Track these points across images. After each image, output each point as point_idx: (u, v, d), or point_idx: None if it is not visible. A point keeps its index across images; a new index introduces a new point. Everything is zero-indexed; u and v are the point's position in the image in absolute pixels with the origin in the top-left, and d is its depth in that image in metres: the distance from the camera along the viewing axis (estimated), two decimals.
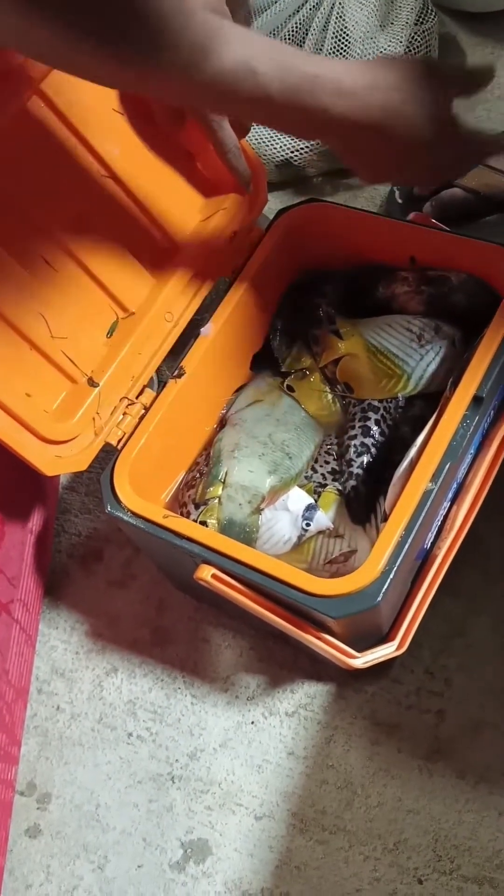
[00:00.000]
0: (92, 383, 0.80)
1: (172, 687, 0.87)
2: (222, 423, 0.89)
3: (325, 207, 0.88)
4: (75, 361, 0.80)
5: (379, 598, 0.65)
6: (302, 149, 1.09)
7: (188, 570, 0.72)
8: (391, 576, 0.66)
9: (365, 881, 0.75)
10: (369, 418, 0.83)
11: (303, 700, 0.84)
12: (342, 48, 1.06)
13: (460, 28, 1.21)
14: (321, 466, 0.84)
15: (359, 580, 0.66)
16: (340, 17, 1.06)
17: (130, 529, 0.75)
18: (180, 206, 0.87)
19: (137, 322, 0.83)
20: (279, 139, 1.09)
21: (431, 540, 0.75)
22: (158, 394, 0.81)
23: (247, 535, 0.78)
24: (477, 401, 0.72)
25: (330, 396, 0.88)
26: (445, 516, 0.76)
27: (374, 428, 0.82)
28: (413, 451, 0.72)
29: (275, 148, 1.09)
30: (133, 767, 0.85)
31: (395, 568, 0.66)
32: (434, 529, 0.74)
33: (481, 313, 0.78)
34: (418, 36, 1.07)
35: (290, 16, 1.09)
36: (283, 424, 0.85)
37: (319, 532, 0.80)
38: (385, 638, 0.73)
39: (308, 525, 0.79)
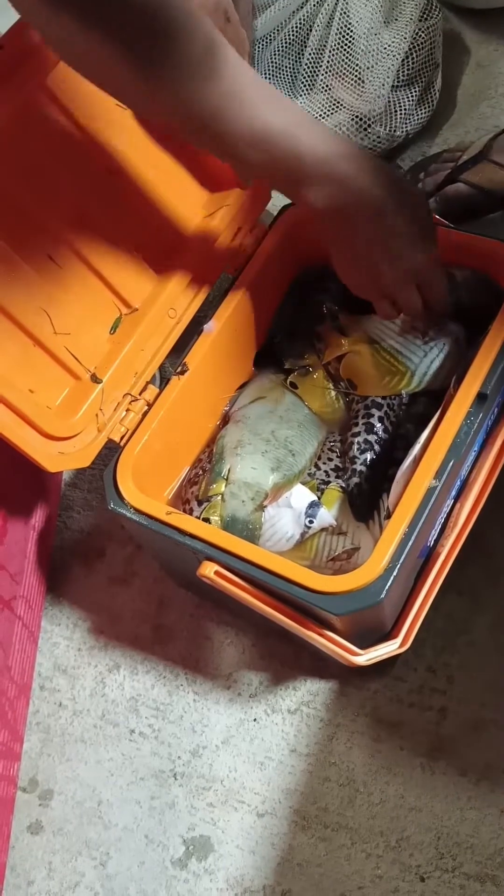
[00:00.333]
0: (95, 380, 0.80)
1: (175, 684, 0.87)
2: (225, 420, 0.89)
3: None
4: (78, 358, 0.79)
5: (382, 596, 0.65)
6: None
7: (191, 567, 0.72)
8: (394, 573, 0.66)
9: (367, 878, 0.75)
10: (373, 415, 0.83)
11: (305, 697, 0.83)
12: (346, 44, 1.05)
13: (464, 24, 1.21)
14: (324, 463, 0.84)
15: (362, 577, 0.66)
16: (344, 13, 1.06)
17: (133, 526, 0.75)
18: (184, 202, 0.87)
19: (141, 318, 0.83)
20: None
21: (435, 537, 0.75)
22: (161, 390, 0.81)
23: (250, 533, 0.78)
24: (481, 398, 0.72)
25: (333, 393, 0.88)
26: (449, 514, 0.76)
27: (378, 425, 0.82)
28: (416, 449, 0.72)
29: None
30: (135, 764, 0.85)
31: (398, 565, 0.66)
32: (437, 527, 0.74)
33: (485, 310, 0.78)
34: (422, 32, 1.06)
35: (293, 12, 1.09)
36: (287, 421, 0.85)
37: (322, 529, 0.79)
38: (388, 635, 0.73)
39: (311, 522, 0.79)
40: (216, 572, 0.69)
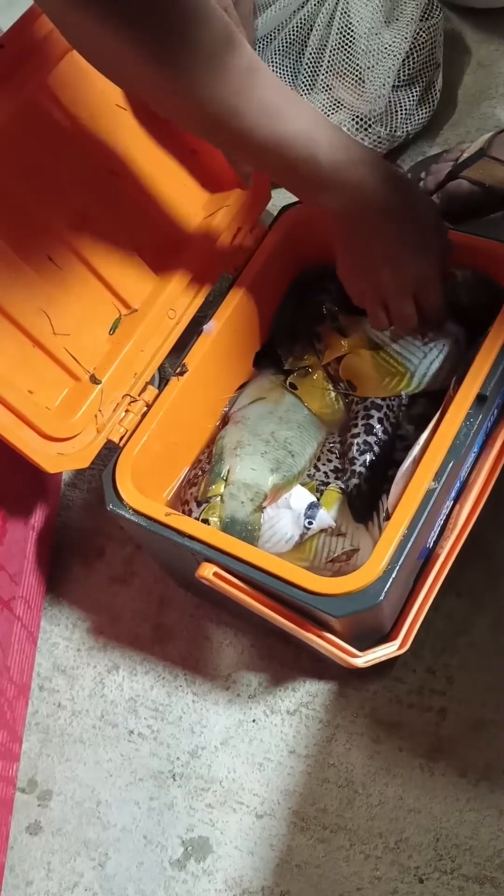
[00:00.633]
0: (94, 380, 0.80)
1: (174, 685, 0.87)
2: (225, 421, 0.89)
3: None
4: (78, 358, 0.79)
5: (381, 597, 0.65)
6: None
7: (190, 567, 0.71)
8: (393, 575, 0.66)
9: (366, 880, 0.75)
10: (372, 416, 0.83)
11: (304, 698, 0.83)
12: (346, 44, 1.05)
13: (465, 24, 1.21)
14: (324, 465, 0.84)
15: (361, 579, 0.66)
16: (345, 12, 1.05)
17: (132, 527, 0.75)
18: (184, 202, 0.87)
19: (140, 319, 0.83)
20: None
21: (434, 539, 0.75)
22: (161, 391, 0.81)
23: (249, 534, 0.78)
24: (480, 399, 0.72)
25: (333, 394, 0.88)
26: (448, 515, 0.75)
27: (377, 426, 0.82)
28: (416, 450, 0.72)
29: None
30: (134, 765, 0.85)
31: (397, 567, 0.66)
32: (437, 528, 0.74)
33: (485, 310, 0.78)
34: (423, 32, 1.06)
35: (294, 11, 1.09)
36: (286, 422, 0.85)
37: (322, 530, 0.79)
38: (387, 637, 0.73)
39: (310, 523, 0.79)
40: (215, 574, 0.69)
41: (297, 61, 1.10)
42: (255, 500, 0.79)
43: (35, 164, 0.75)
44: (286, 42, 1.10)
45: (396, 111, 1.08)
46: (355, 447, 0.82)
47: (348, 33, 1.05)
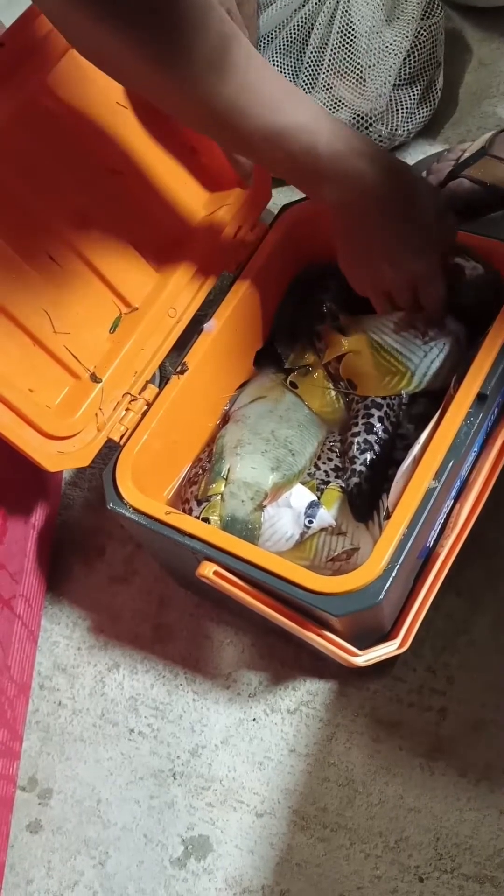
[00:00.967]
0: (95, 379, 0.80)
1: (174, 683, 0.87)
2: (225, 420, 0.89)
3: None
4: (78, 357, 0.79)
5: (381, 596, 0.65)
6: None
7: (190, 566, 0.71)
8: (393, 574, 0.66)
9: (366, 879, 0.75)
10: (372, 415, 0.83)
11: (304, 697, 0.83)
12: (347, 43, 1.05)
13: (467, 23, 1.21)
14: (324, 463, 0.84)
15: (361, 578, 0.66)
16: (346, 11, 1.05)
17: (132, 526, 0.75)
18: (184, 201, 0.87)
19: (141, 317, 0.83)
20: None
21: (434, 538, 0.75)
22: (161, 390, 0.81)
23: (249, 532, 0.78)
24: (481, 398, 0.72)
25: (333, 393, 0.88)
26: (448, 514, 0.75)
27: (378, 425, 0.82)
28: (416, 449, 0.72)
29: None
30: (134, 763, 0.85)
31: (397, 566, 0.66)
32: (437, 527, 0.74)
33: (487, 307, 0.77)
34: (424, 30, 1.06)
35: (295, 10, 1.09)
36: (286, 421, 0.85)
37: (322, 529, 0.79)
38: (387, 636, 0.73)
39: (310, 522, 0.79)
40: (215, 572, 0.69)
41: (298, 60, 1.10)
42: (256, 499, 0.79)
43: (35, 163, 0.75)
44: (287, 41, 1.10)
45: (397, 110, 1.08)
46: (356, 446, 0.82)
47: (349, 32, 1.05)
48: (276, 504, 0.80)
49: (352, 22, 1.05)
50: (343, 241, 0.76)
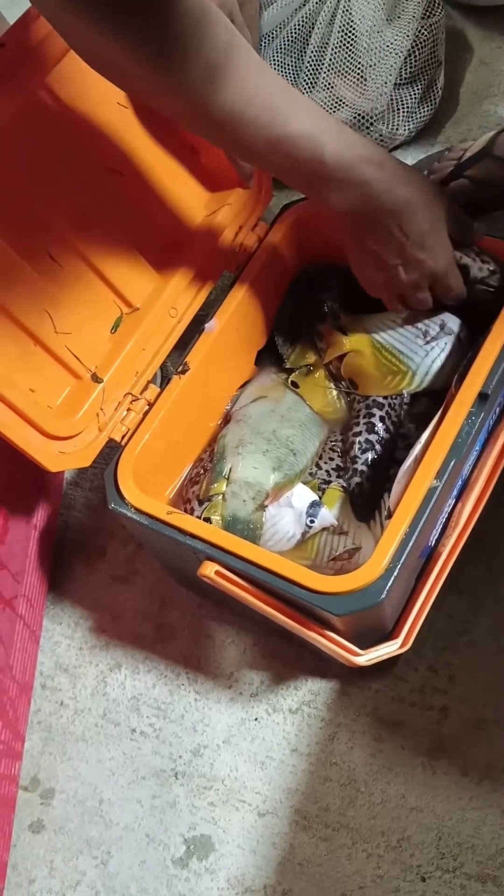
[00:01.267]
0: (96, 379, 0.80)
1: (176, 683, 0.87)
2: (226, 420, 0.89)
3: None
4: (79, 357, 0.79)
5: (383, 596, 0.65)
6: None
7: (191, 566, 0.71)
8: (395, 573, 0.66)
9: (368, 878, 0.75)
10: (374, 415, 0.83)
11: (306, 697, 0.83)
12: (348, 42, 1.05)
13: (467, 22, 1.21)
14: (325, 463, 0.84)
15: (363, 577, 0.66)
16: (347, 10, 1.05)
17: (134, 526, 0.75)
18: (185, 201, 0.87)
19: (142, 318, 0.83)
20: None
21: (436, 537, 0.75)
22: (162, 390, 0.81)
23: (251, 532, 0.78)
24: (482, 398, 0.72)
25: (334, 393, 0.88)
26: (450, 514, 0.75)
27: (379, 425, 0.82)
28: (418, 449, 0.72)
29: None
30: (136, 763, 0.85)
31: (399, 565, 0.66)
32: (438, 527, 0.74)
33: (491, 308, 0.77)
34: (425, 30, 1.06)
35: (296, 9, 1.09)
36: (288, 421, 0.85)
37: (323, 529, 0.79)
38: (389, 635, 0.73)
39: (312, 522, 0.79)
40: (217, 572, 0.69)
41: (298, 60, 1.10)
42: (257, 499, 0.79)
43: (36, 163, 0.75)
44: (288, 40, 1.09)
45: (398, 109, 1.08)
46: (357, 446, 0.82)
47: (350, 31, 1.05)
48: (278, 504, 0.80)
49: (352, 21, 1.05)
50: (353, 246, 0.76)
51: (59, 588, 0.96)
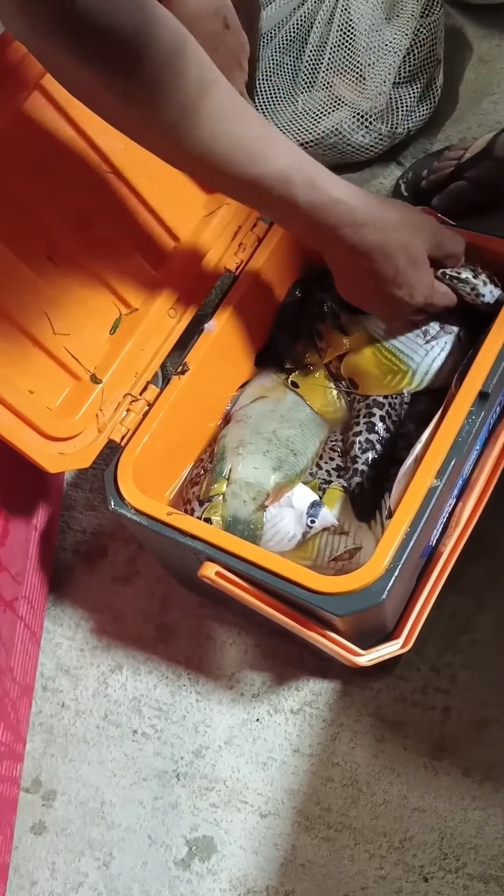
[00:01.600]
0: (95, 380, 0.80)
1: (177, 684, 0.87)
2: (227, 420, 0.88)
3: None
4: (78, 358, 0.79)
5: (384, 596, 0.65)
6: (309, 142, 1.08)
7: (192, 567, 0.71)
8: (396, 573, 0.65)
9: (370, 879, 0.75)
10: (374, 414, 0.82)
11: (308, 697, 0.83)
12: (347, 41, 1.05)
13: (466, 20, 1.20)
14: (326, 463, 0.84)
15: (363, 577, 0.65)
16: (345, 10, 1.05)
17: (134, 526, 0.75)
18: (183, 201, 0.87)
19: (141, 318, 0.83)
20: (286, 133, 1.08)
21: (437, 537, 0.74)
22: (162, 390, 0.81)
23: (251, 533, 0.77)
24: (482, 397, 0.72)
25: (335, 392, 0.88)
26: (451, 513, 0.75)
27: (379, 424, 0.82)
28: (418, 448, 0.72)
29: None
30: (138, 764, 0.85)
31: (399, 565, 0.66)
32: (439, 526, 0.74)
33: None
34: (424, 28, 1.06)
35: (294, 8, 1.09)
36: (288, 421, 0.85)
37: (324, 529, 0.79)
38: (390, 635, 0.73)
39: (313, 522, 0.78)
40: (217, 573, 0.69)
41: (297, 59, 1.10)
42: (258, 499, 0.79)
43: (33, 165, 0.75)
44: (286, 39, 1.09)
45: (397, 108, 1.08)
46: (357, 445, 0.82)
47: (349, 30, 1.05)
48: (278, 504, 0.80)
49: (351, 20, 1.05)
50: (338, 282, 0.76)
51: (60, 589, 0.96)
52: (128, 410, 0.80)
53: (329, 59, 1.06)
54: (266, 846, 0.79)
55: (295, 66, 1.10)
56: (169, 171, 0.85)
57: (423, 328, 0.82)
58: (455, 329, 0.82)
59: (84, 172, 0.79)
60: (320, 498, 0.80)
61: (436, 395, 0.80)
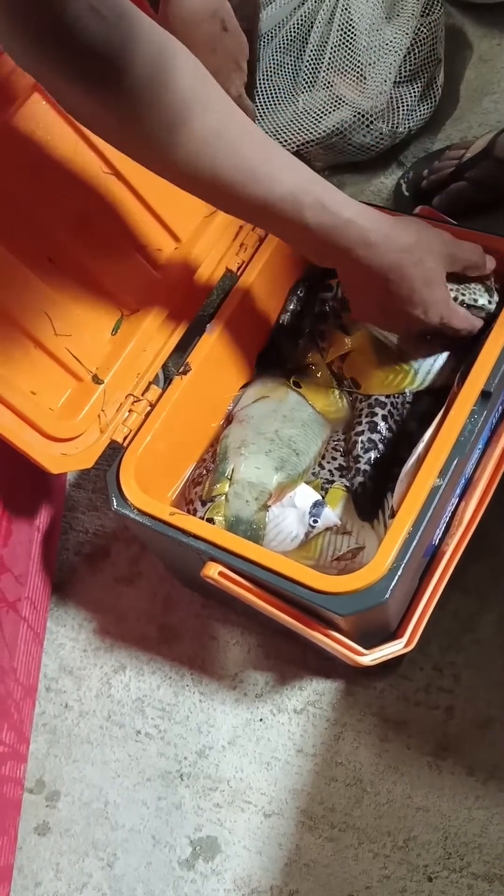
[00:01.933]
0: (97, 381, 0.80)
1: (180, 684, 0.87)
2: (229, 420, 0.88)
3: None
4: (80, 359, 0.79)
5: (387, 595, 0.65)
6: (309, 142, 1.08)
7: (195, 567, 0.71)
8: (399, 572, 0.65)
9: (374, 878, 0.75)
10: (376, 414, 0.82)
11: (311, 697, 0.83)
12: (348, 40, 1.05)
13: (467, 19, 1.20)
14: (328, 462, 0.84)
15: (367, 577, 0.65)
16: (346, 9, 1.05)
17: (137, 527, 0.75)
18: (184, 202, 0.86)
19: (142, 319, 0.83)
20: (287, 133, 1.08)
21: (440, 536, 0.74)
22: (164, 391, 0.81)
23: (254, 533, 0.77)
24: (485, 396, 0.72)
25: (337, 392, 0.88)
26: (453, 512, 0.75)
27: (382, 424, 0.82)
28: (420, 447, 0.72)
29: (282, 141, 1.09)
30: (141, 765, 0.85)
31: (402, 565, 0.66)
32: (442, 525, 0.74)
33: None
34: (424, 27, 1.06)
35: (295, 8, 1.09)
36: (290, 420, 0.85)
37: (327, 529, 0.79)
38: (393, 635, 0.73)
39: (315, 522, 0.78)
40: (220, 573, 0.69)
41: (297, 59, 1.10)
42: (260, 499, 0.79)
43: (33, 167, 0.75)
44: (287, 39, 1.09)
45: (398, 107, 1.08)
46: (360, 445, 0.82)
47: (349, 30, 1.05)
48: (281, 504, 0.80)
49: (352, 19, 1.05)
50: (351, 300, 0.76)
51: (63, 590, 0.96)
52: (130, 411, 0.80)
53: (330, 58, 1.06)
54: (270, 846, 0.79)
55: (295, 65, 1.10)
56: None
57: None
58: None
59: (85, 173, 0.79)
60: (323, 498, 0.81)
61: (438, 395, 0.80)
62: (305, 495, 0.80)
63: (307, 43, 1.08)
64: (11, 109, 0.72)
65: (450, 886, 0.73)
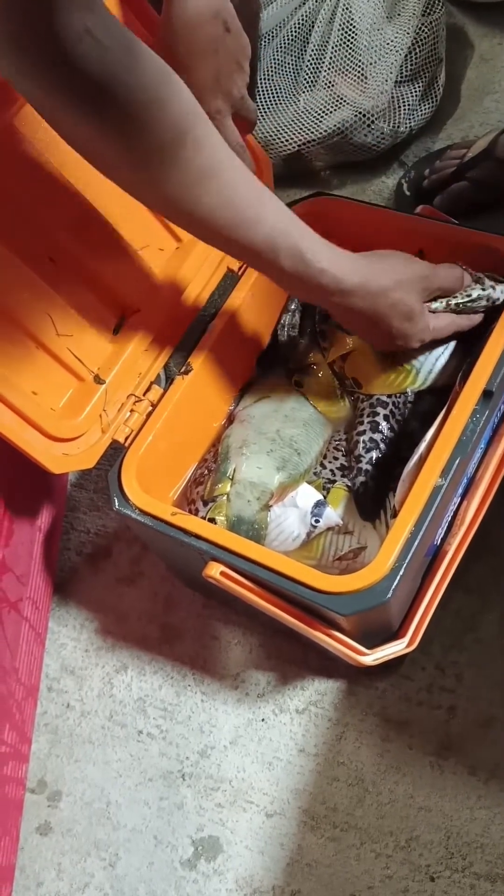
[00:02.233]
0: (98, 381, 0.80)
1: (182, 684, 0.87)
2: (230, 420, 0.88)
3: (333, 201, 0.88)
4: (81, 359, 0.79)
5: (389, 595, 0.65)
6: (311, 142, 1.08)
7: (197, 567, 0.71)
8: (401, 572, 0.65)
9: (376, 878, 0.75)
10: (378, 413, 0.82)
11: (313, 697, 0.83)
12: (348, 40, 1.05)
13: (468, 18, 1.20)
14: (330, 462, 0.84)
15: (368, 577, 0.65)
16: (347, 8, 1.05)
17: (138, 527, 0.75)
18: None
19: (143, 319, 0.83)
20: (288, 133, 1.08)
21: (441, 536, 0.74)
22: (166, 391, 0.81)
23: (255, 532, 0.77)
24: (487, 395, 0.72)
25: (338, 392, 0.88)
26: (455, 512, 0.75)
27: (383, 423, 0.82)
28: (422, 447, 0.72)
29: (283, 141, 1.09)
30: (143, 765, 0.85)
31: (404, 564, 0.66)
32: (444, 525, 0.74)
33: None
34: (425, 27, 1.06)
35: (296, 8, 1.09)
36: (292, 420, 0.85)
37: (328, 528, 0.79)
38: (395, 634, 0.72)
39: (317, 521, 0.78)
40: (222, 573, 0.69)
41: (298, 58, 1.10)
42: (262, 499, 0.79)
43: (34, 167, 0.75)
44: (288, 39, 1.09)
45: (399, 107, 1.08)
46: (361, 445, 0.82)
47: (350, 29, 1.05)
48: (283, 504, 0.80)
49: (353, 19, 1.05)
50: (352, 330, 0.79)
51: (65, 590, 0.96)
52: (131, 411, 0.80)
53: (331, 58, 1.06)
54: (272, 846, 0.79)
55: (296, 65, 1.10)
56: None
57: None
58: None
59: (86, 174, 0.78)
60: (324, 497, 0.80)
61: (440, 394, 0.80)
62: (307, 495, 0.80)
63: (308, 43, 1.08)
64: (13, 110, 0.72)
65: (452, 886, 0.73)
